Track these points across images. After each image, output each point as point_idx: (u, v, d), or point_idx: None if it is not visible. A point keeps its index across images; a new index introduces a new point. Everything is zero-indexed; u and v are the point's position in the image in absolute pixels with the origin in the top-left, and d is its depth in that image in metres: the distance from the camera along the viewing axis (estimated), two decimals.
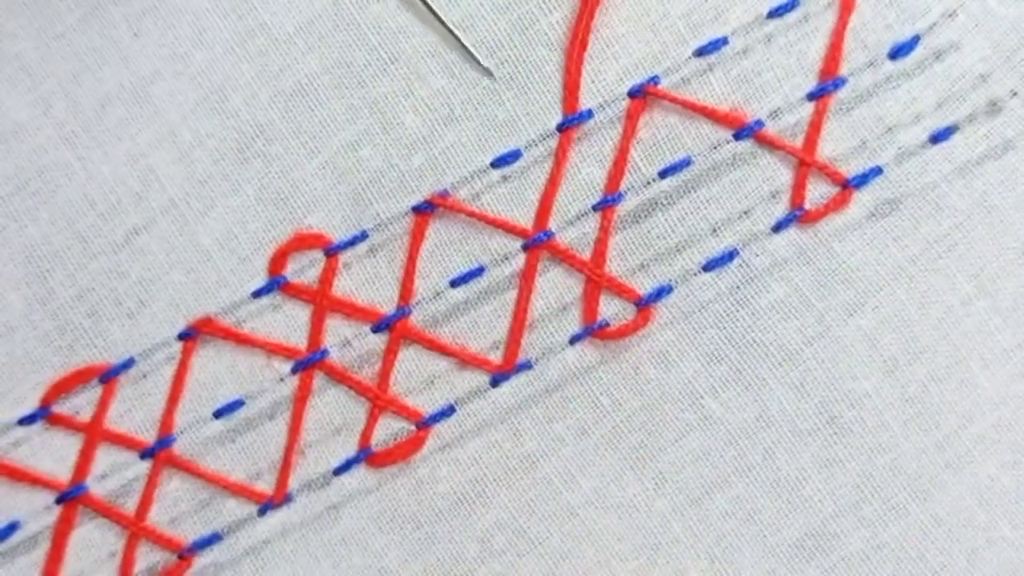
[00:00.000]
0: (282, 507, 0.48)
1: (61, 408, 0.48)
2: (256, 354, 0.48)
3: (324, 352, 0.48)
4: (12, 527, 0.48)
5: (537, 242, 0.47)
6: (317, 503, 0.48)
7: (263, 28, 0.48)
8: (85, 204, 0.48)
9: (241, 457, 0.48)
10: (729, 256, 0.47)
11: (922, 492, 0.48)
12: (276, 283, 0.48)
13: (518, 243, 0.48)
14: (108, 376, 0.48)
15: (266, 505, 0.48)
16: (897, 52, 0.47)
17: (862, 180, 0.47)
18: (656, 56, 0.47)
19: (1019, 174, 0.47)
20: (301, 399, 0.48)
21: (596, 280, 0.47)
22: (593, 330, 0.48)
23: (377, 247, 0.48)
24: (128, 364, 0.48)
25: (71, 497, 0.48)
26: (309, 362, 0.48)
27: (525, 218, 0.48)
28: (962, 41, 0.47)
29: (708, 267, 0.47)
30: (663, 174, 0.47)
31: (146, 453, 0.48)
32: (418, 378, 0.48)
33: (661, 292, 0.47)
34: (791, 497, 0.48)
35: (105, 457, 0.48)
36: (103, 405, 0.48)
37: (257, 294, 0.48)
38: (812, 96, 0.47)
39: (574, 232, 0.48)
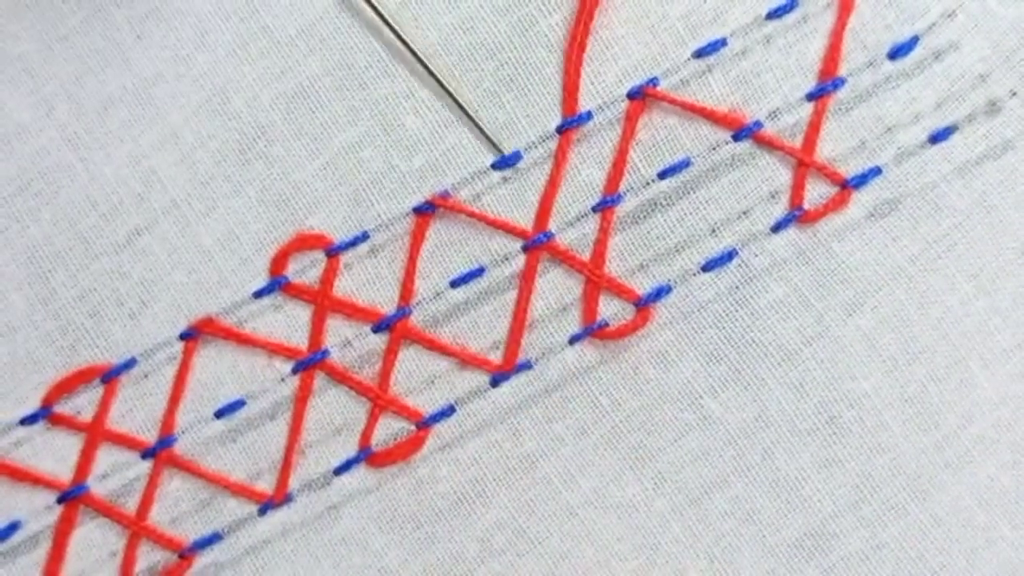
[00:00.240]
0: (282, 507, 0.48)
1: (63, 408, 0.48)
2: (257, 354, 0.48)
3: (325, 352, 0.48)
4: (13, 527, 0.48)
5: (537, 243, 0.48)
6: (317, 503, 0.48)
7: (265, 31, 0.48)
8: (87, 205, 0.48)
9: (242, 457, 0.48)
10: (728, 256, 0.47)
11: (921, 492, 0.48)
12: (277, 283, 0.48)
13: (518, 244, 0.48)
14: (109, 376, 0.48)
15: (266, 505, 0.48)
16: (896, 52, 0.47)
17: (861, 180, 0.47)
18: (655, 58, 0.47)
19: (1018, 174, 0.47)
20: (302, 399, 0.48)
21: (596, 280, 0.48)
22: (593, 330, 0.48)
23: (378, 248, 0.48)
24: (130, 364, 0.48)
25: (72, 497, 0.48)
26: (310, 362, 0.48)
27: (525, 219, 0.48)
28: (961, 41, 0.47)
29: (707, 267, 0.47)
30: (662, 175, 0.47)
31: (147, 453, 0.48)
32: (418, 378, 0.48)
33: (660, 292, 0.47)
34: (790, 497, 0.48)
35: (106, 457, 0.48)
36: (104, 405, 0.48)
37: (258, 294, 0.48)
38: (811, 96, 0.47)
39: (574, 233, 0.48)
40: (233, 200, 0.48)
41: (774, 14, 0.47)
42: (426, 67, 0.47)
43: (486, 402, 0.48)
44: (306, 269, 0.48)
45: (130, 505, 0.48)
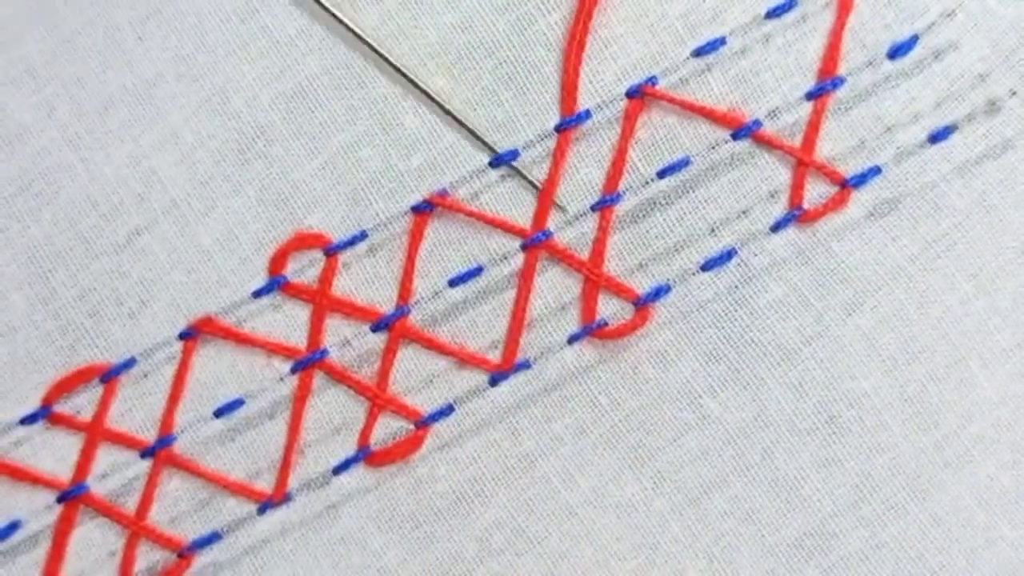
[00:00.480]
0: (281, 506, 0.48)
1: (62, 407, 0.48)
2: (256, 354, 0.48)
3: (324, 352, 0.48)
4: (13, 526, 0.48)
5: (536, 242, 0.48)
6: (316, 502, 0.48)
7: (264, 31, 0.48)
8: (87, 205, 0.48)
9: (241, 456, 0.48)
10: (727, 256, 0.47)
11: (921, 492, 0.48)
12: (276, 283, 0.48)
13: (517, 243, 0.48)
14: (109, 376, 0.48)
15: (266, 504, 0.48)
16: (896, 52, 0.47)
17: (861, 180, 0.47)
18: (654, 56, 0.47)
19: (1018, 173, 0.47)
20: (301, 398, 0.48)
21: (594, 280, 0.47)
22: (592, 329, 0.48)
23: (376, 247, 0.48)
24: (129, 364, 0.48)
25: (72, 496, 0.48)
26: (309, 361, 0.48)
27: (524, 218, 0.48)
28: (961, 41, 0.47)
29: (706, 267, 0.47)
30: (661, 174, 0.47)
31: (146, 452, 0.48)
32: (417, 377, 0.48)
33: (659, 292, 0.47)
34: (790, 496, 0.48)
35: (106, 456, 0.49)
36: (104, 405, 0.48)
37: (257, 294, 0.48)
38: (810, 96, 0.47)
39: (573, 232, 0.48)
40: (232, 200, 0.48)
41: (773, 13, 0.47)
42: (409, 78, 0.47)
43: (485, 401, 0.48)
44: (305, 268, 0.48)
45: (129, 505, 0.48)
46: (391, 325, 0.48)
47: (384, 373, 0.48)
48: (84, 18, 0.48)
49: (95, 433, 0.48)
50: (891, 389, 0.47)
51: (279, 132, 0.48)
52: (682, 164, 0.47)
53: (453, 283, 0.48)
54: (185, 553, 0.48)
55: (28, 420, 0.48)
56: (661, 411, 0.48)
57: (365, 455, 0.48)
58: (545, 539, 0.48)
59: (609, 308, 0.48)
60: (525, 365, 0.48)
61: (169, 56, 0.48)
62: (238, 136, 0.48)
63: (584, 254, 0.48)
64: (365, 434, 0.48)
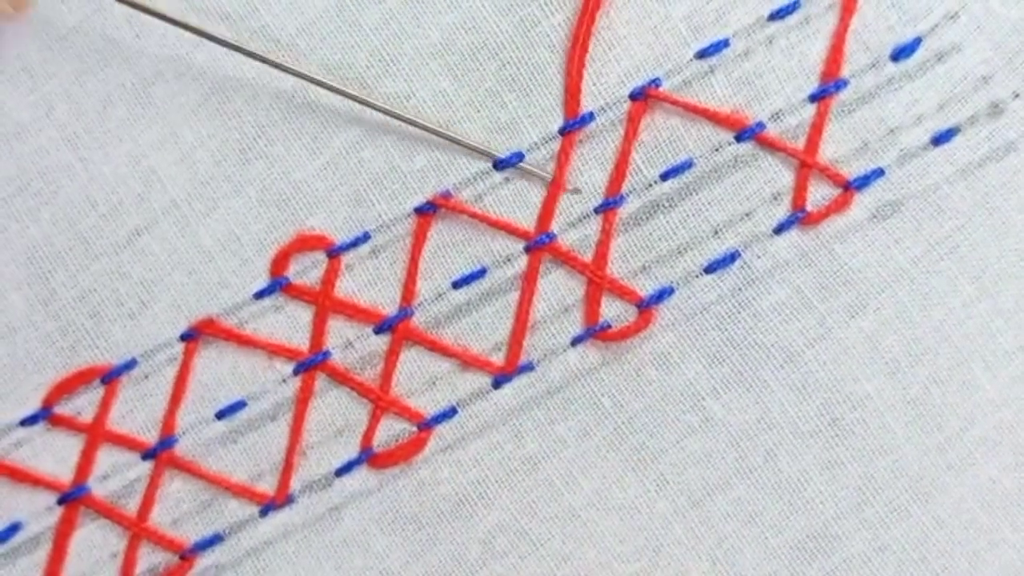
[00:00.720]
0: (284, 508, 0.48)
1: (63, 409, 0.48)
2: (258, 355, 0.48)
3: (326, 353, 0.48)
4: (14, 528, 0.48)
5: (539, 244, 0.48)
6: (319, 504, 0.48)
7: (265, 29, 0.48)
8: (87, 205, 0.48)
9: (243, 458, 0.48)
10: (731, 258, 0.47)
11: (924, 494, 0.48)
12: (278, 284, 0.48)
13: (520, 245, 0.48)
14: (110, 377, 0.48)
15: (268, 506, 0.48)
16: (899, 54, 0.47)
17: (864, 182, 0.47)
18: (657, 58, 0.47)
19: (1021, 176, 0.47)
20: (303, 400, 0.48)
21: (598, 282, 0.47)
22: (595, 332, 0.48)
23: (379, 248, 0.48)
24: (130, 365, 0.48)
25: (73, 498, 0.48)
26: (311, 363, 0.48)
27: (527, 220, 0.48)
28: (964, 43, 0.47)
29: (710, 269, 0.47)
30: (665, 176, 0.47)
31: (148, 454, 0.48)
32: (420, 379, 0.48)
33: (663, 294, 0.47)
34: (793, 499, 0.48)
35: (107, 458, 0.48)
36: (105, 406, 0.48)
37: (259, 295, 0.48)
38: (814, 98, 0.47)
39: (576, 234, 0.48)
40: (233, 200, 0.48)
41: (777, 15, 0.47)
42: (394, 114, 0.47)
43: (488, 403, 0.48)
44: (307, 270, 0.48)
45: (131, 506, 0.48)
46: (394, 327, 0.48)
47: (387, 375, 0.48)
48: (81, 15, 0.48)
49: (96, 434, 0.48)
50: (894, 391, 0.48)
51: (280, 132, 0.48)
52: (685, 166, 0.47)
53: (456, 285, 0.48)
54: (187, 555, 0.48)
55: (29, 421, 0.48)
56: (664, 413, 0.48)
57: (368, 457, 0.48)
58: (548, 541, 0.48)
59: (612, 310, 0.48)
60: (528, 367, 0.48)
61: (168, 54, 0.48)
62: (239, 136, 0.48)
63: (587, 256, 0.48)
64: (368, 436, 0.48)
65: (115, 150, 0.48)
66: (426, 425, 0.48)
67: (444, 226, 0.48)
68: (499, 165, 0.47)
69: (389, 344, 0.48)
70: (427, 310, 0.48)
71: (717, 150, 0.47)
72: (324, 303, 0.48)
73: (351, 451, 0.48)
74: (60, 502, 0.48)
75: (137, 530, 0.48)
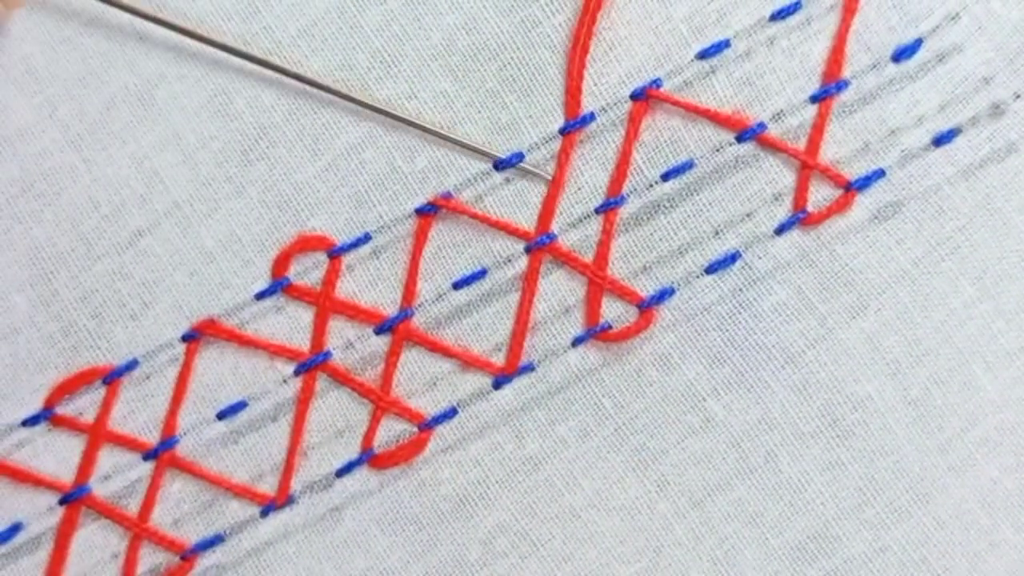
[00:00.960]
0: (284, 509, 0.48)
1: (64, 409, 0.48)
2: (259, 356, 0.48)
3: (327, 354, 0.48)
4: (15, 528, 0.48)
5: (540, 245, 0.48)
6: (319, 505, 0.48)
7: (267, 31, 0.48)
8: (90, 206, 0.48)
9: (244, 459, 0.48)
10: (731, 259, 0.47)
11: (925, 495, 0.48)
12: (279, 285, 0.48)
13: (521, 245, 0.48)
14: (111, 377, 0.48)
15: (268, 507, 0.48)
16: (900, 55, 0.47)
17: (865, 183, 0.47)
18: (658, 59, 0.47)
19: (1022, 176, 0.47)
20: (304, 401, 0.48)
21: (598, 282, 0.47)
22: (595, 332, 0.48)
23: (380, 249, 0.48)
24: (131, 366, 0.48)
25: (74, 498, 0.48)
26: (312, 364, 0.48)
27: (528, 221, 0.48)
28: (965, 44, 0.47)
29: (710, 270, 0.47)
30: (665, 177, 0.47)
31: (149, 454, 0.48)
32: (420, 380, 0.48)
33: (663, 294, 0.47)
34: (793, 500, 0.48)
35: (108, 458, 0.48)
36: (106, 406, 0.48)
37: (260, 296, 0.48)
38: (815, 98, 0.47)
39: (577, 235, 0.48)
40: (235, 201, 0.48)
41: (778, 16, 0.47)
42: (391, 114, 0.47)
43: (488, 404, 0.48)
44: (308, 271, 0.48)
45: (132, 507, 0.48)
46: (395, 328, 0.48)
47: (388, 376, 0.48)
48: (84, 17, 0.48)
49: (97, 435, 0.48)
50: (895, 392, 0.48)
51: (282, 133, 0.48)
52: (686, 167, 0.47)
53: (457, 286, 0.48)
54: (188, 555, 0.48)
55: (30, 422, 0.48)
56: (665, 414, 0.48)
57: (368, 458, 0.48)
58: (549, 542, 0.48)
59: (613, 311, 0.48)
60: (529, 368, 0.48)
61: (171, 56, 0.48)
62: (241, 137, 0.48)
63: (588, 257, 0.48)
64: (368, 437, 0.48)
65: (118, 151, 0.48)
66: (427, 426, 0.48)
67: (445, 227, 0.48)
68: (499, 166, 0.47)
69: (390, 345, 0.48)
70: (428, 311, 0.48)
71: (718, 151, 0.47)
72: (325, 304, 0.48)
73: (352, 452, 0.48)
74: (61, 502, 0.48)
75: (138, 530, 0.48)
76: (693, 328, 0.48)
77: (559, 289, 0.48)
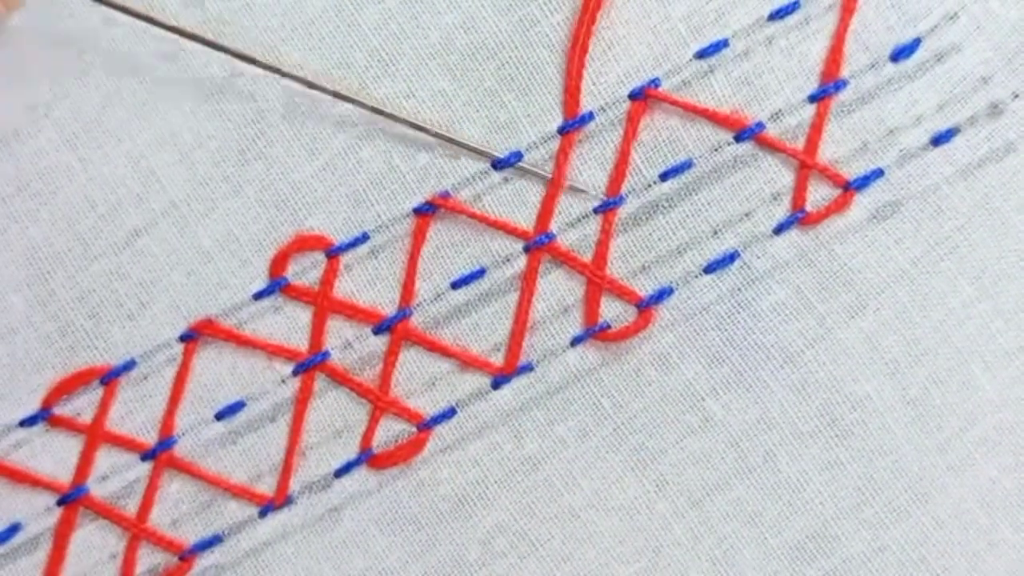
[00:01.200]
0: (283, 509, 0.48)
1: (62, 410, 0.48)
2: (257, 356, 0.48)
3: (325, 354, 0.48)
4: (13, 529, 0.48)
5: (538, 244, 0.47)
6: (318, 505, 0.48)
7: (265, 30, 0.48)
8: (86, 205, 0.48)
9: (242, 459, 0.48)
10: (730, 258, 0.47)
11: (923, 494, 0.48)
12: (277, 285, 0.48)
13: (519, 245, 0.48)
14: (109, 378, 0.48)
15: (267, 507, 0.48)
16: (898, 54, 0.47)
17: (863, 182, 0.47)
18: (657, 58, 0.47)
19: (1021, 176, 0.47)
20: (302, 401, 0.48)
21: (597, 282, 0.47)
22: (594, 332, 0.48)
23: (378, 248, 0.48)
24: (129, 366, 0.48)
25: (72, 499, 0.48)
26: (310, 364, 0.48)
27: (526, 220, 0.48)
28: (963, 43, 0.47)
29: (709, 269, 0.47)
30: (664, 176, 0.47)
31: (147, 455, 0.48)
32: (419, 380, 0.48)
33: (662, 294, 0.47)
34: (792, 499, 0.48)
35: (106, 459, 0.48)
36: (104, 407, 0.48)
37: (258, 296, 0.48)
38: (813, 98, 0.47)
39: (575, 234, 0.48)
40: (232, 201, 0.48)
41: (776, 15, 0.47)
42: (387, 114, 0.47)
43: (487, 404, 0.48)
44: (306, 270, 0.48)
45: (130, 507, 0.48)
46: (393, 327, 0.48)
47: (386, 375, 0.48)
48: (81, 16, 0.48)
49: (95, 435, 0.48)
50: (893, 392, 0.48)
51: (279, 132, 0.48)
52: (685, 166, 0.47)
53: (455, 285, 0.48)
54: (186, 556, 0.48)
55: (28, 422, 0.48)
56: (664, 414, 0.48)
57: (367, 458, 0.48)
58: (548, 542, 0.48)
59: (612, 311, 0.48)
60: (528, 368, 0.48)
61: (167, 54, 0.48)
62: (238, 136, 0.48)
63: (587, 256, 0.48)
64: (367, 437, 0.48)
65: (114, 150, 0.48)
66: (425, 426, 0.48)
67: (443, 226, 0.48)
68: (498, 165, 0.47)
69: (388, 344, 0.48)
70: (426, 310, 0.48)
71: (716, 150, 0.47)
72: (323, 303, 0.48)
73: (350, 452, 0.48)
74: (59, 503, 0.48)
75: (136, 531, 0.48)
76: (692, 328, 0.48)
77: (558, 289, 0.48)
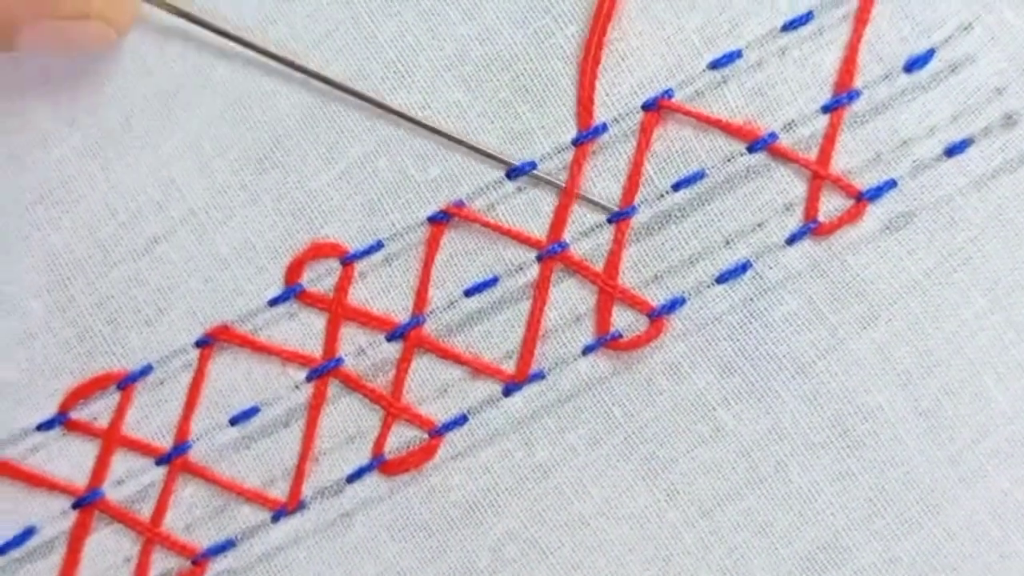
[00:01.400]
0: (295, 514, 0.48)
1: (79, 414, 0.49)
2: (272, 362, 0.49)
3: (339, 360, 0.48)
4: (29, 532, 0.49)
5: (551, 253, 0.48)
6: (330, 510, 0.48)
7: (281, 42, 0.48)
8: (107, 213, 0.49)
9: (256, 464, 0.49)
10: (742, 268, 0.47)
11: (935, 506, 0.47)
12: (292, 291, 0.48)
13: (532, 254, 0.48)
14: (126, 383, 0.49)
15: (280, 512, 0.48)
16: (912, 65, 0.47)
17: (876, 193, 0.47)
18: (670, 69, 0.47)
19: None
20: (315, 407, 0.48)
21: (609, 291, 0.48)
22: (606, 341, 0.48)
23: (392, 256, 0.48)
24: (146, 371, 0.49)
25: (87, 503, 0.48)
26: (324, 370, 0.48)
27: (540, 229, 0.48)
28: (978, 54, 0.47)
29: (721, 279, 0.47)
30: (677, 187, 0.47)
31: (162, 459, 0.49)
32: (431, 387, 0.48)
33: (674, 304, 0.47)
34: (803, 510, 0.48)
35: (121, 463, 0.49)
36: (120, 411, 0.49)
37: (273, 302, 0.49)
38: (827, 109, 0.47)
39: (588, 244, 0.48)
40: (250, 209, 0.49)
41: (790, 26, 0.47)
42: (409, 118, 0.48)
43: (499, 411, 0.48)
44: (321, 277, 0.49)
45: (144, 511, 0.49)
46: (406, 334, 0.48)
47: (399, 382, 0.48)
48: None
49: (111, 440, 0.49)
50: (905, 403, 0.47)
51: (296, 142, 0.49)
52: (697, 177, 0.47)
53: (468, 293, 0.48)
54: (199, 560, 0.48)
55: (45, 426, 0.49)
56: (675, 423, 0.48)
57: (379, 464, 0.48)
58: (558, 550, 0.48)
59: (624, 320, 0.48)
60: (539, 376, 0.48)
61: (189, 66, 0.49)
62: (256, 146, 0.49)
63: (599, 266, 0.48)
64: (379, 443, 0.48)
65: (136, 159, 0.49)
66: (437, 432, 0.48)
67: (457, 235, 0.48)
68: (512, 174, 0.48)
69: (401, 351, 0.48)
70: (439, 318, 0.48)
71: (729, 161, 0.47)
72: (337, 310, 0.48)
73: (362, 458, 0.48)
74: (75, 507, 0.49)
75: (150, 535, 0.48)
76: (704, 338, 0.48)
77: (570, 297, 0.48)
